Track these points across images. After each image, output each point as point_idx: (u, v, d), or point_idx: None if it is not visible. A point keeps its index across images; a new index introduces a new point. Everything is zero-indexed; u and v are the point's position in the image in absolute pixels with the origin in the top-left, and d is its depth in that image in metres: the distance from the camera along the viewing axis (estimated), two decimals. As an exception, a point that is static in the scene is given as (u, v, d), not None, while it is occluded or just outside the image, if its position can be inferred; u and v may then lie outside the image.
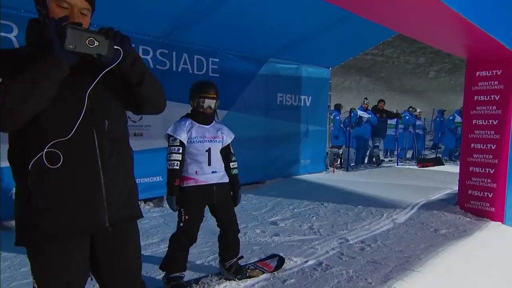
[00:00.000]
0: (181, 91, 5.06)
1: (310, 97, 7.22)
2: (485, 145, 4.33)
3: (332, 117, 8.48)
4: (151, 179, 4.81)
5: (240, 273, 2.66)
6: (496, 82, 4.20)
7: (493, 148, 4.28)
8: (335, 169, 7.92)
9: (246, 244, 3.43)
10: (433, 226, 4.11)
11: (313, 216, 4.44)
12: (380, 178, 7.32)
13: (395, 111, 10.44)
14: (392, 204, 5.04)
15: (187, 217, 2.44)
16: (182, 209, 2.45)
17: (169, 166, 2.39)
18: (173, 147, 2.40)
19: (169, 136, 2.44)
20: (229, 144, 2.68)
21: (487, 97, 4.28)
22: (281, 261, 2.92)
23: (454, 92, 17.02)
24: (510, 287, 2.84)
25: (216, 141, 2.54)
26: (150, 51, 4.73)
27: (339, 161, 8.39)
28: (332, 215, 4.55)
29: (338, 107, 9.91)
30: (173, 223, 4.22)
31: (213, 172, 2.50)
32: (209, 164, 2.49)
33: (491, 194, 4.36)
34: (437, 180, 7.07)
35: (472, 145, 4.44)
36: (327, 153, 7.91)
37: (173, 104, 4.90)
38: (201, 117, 2.51)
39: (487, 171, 4.36)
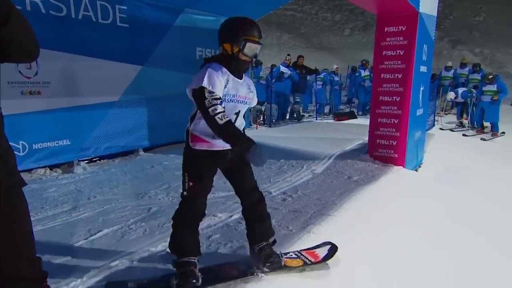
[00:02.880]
0: (83, 42, 4.58)
1: (230, 52, 7.07)
2: (391, 98, 4.76)
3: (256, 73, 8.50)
4: (56, 143, 4.36)
5: (270, 260, 2.11)
6: (401, 38, 4.56)
7: (397, 100, 4.73)
8: (258, 125, 8.09)
9: (170, 204, 3.38)
10: (347, 174, 4.50)
11: (236, 172, 4.52)
12: (301, 133, 7.71)
13: (313, 68, 10.86)
14: (311, 156, 5.36)
15: (191, 183, 1.97)
16: (186, 174, 1.99)
17: (221, 119, 1.78)
18: (215, 100, 1.80)
19: (203, 89, 1.81)
20: None
21: (393, 52, 4.64)
22: (333, 249, 2.33)
23: (366, 49, 18.23)
24: (409, 220, 3.30)
25: (246, 102, 2.03)
26: (40, -7, 4.07)
27: (261, 117, 8.57)
28: (256, 170, 4.58)
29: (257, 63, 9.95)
30: (86, 188, 4.00)
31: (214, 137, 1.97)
32: None
33: (395, 142, 4.88)
34: (351, 132, 7.68)
35: (381, 97, 4.85)
36: (250, 110, 7.99)
37: (74, 58, 4.41)
38: (238, 67, 1.94)
39: (392, 122, 4.84)
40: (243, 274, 2.13)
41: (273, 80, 8.63)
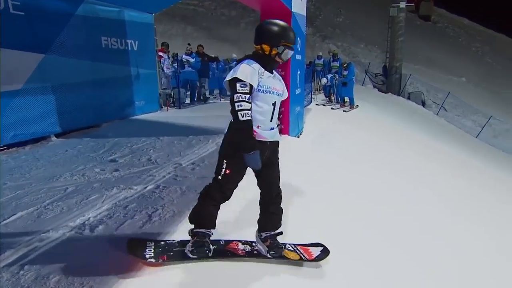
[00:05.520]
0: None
1: (136, 42, 6.55)
2: (275, 80, 5.05)
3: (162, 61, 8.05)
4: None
5: (274, 249, 2.04)
6: (280, 32, 4.81)
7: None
8: (168, 107, 7.78)
9: (86, 183, 3.11)
10: (245, 144, 4.71)
11: (150, 150, 4.35)
12: (207, 112, 7.67)
13: (213, 56, 10.73)
14: (216, 132, 5.40)
15: (228, 171, 1.85)
16: (224, 161, 1.87)
17: (242, 116, 1.70)
18: (244, 95, 1.71)
19: (237, 80, 1.72)
20: None
21: (275, 43, 4.88)
22: (325, 252, 2.19)
23: (258, 41, 18.56)
24: (295, 170, 3.65)
25: (280, 94, 1.93)
26: None
27: (171, 100, 8.25)
28: (168, 146, 4.56)
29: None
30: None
31: (271, 128, 1.90)
32: (271, 120, 1.89)
33: (281, 115, 5.23)
34: (248, 110, 7.92)
35: (267, 80, 5.10)
36: (159, 94, 7.61)
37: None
38: (270, 65, 1.86)
39: (277, 99, 5.16)
40: (248, 254, 2.07)
41: (179, 69, 8.31)
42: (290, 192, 3.15)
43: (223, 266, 1.97)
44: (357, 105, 9.91)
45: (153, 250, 1.96)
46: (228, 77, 1.78)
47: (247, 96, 1.72)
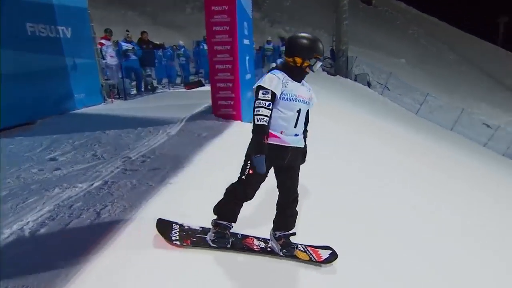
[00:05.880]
0: None
1: (69, 28, 6.00)
2: (224, 66, 5.02)
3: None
4: None
5: (287, 248, 2.17)
6: (225, 16, 4.77)
7: (229, 67, 5.03)
8: (113, 99, 7.34)
9: (22, 185, 2.86)
10: (197, 132, 4.64)
11: (95, 145, 4.09)
12: (156, 102, 7.40)
13: (159, 43, 10.27)
14: (166, 122, 5.24)
15: (251, 171, 1.95)
16: (249, 162, 1.97)
17: (257, 121, 1.85)
18: (264, 101, 1.86)
19: (261, 88, 1.89)
20: None
21: (221, 27, 4.83)
22: (333, 255, 2.27)
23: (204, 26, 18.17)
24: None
25: (307, 102, 2.04)
26: None
27: (116, 91, 7.78)
28: (114, 140, 4.33)
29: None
30: None
31: (295, 135, 2.02)
32: (295, 126, 2.00)
33: (232, 102, 5.25)
34: (199, 98, 7.77)
35: (217, 66, 5.05)
36: (102, 85, 7.13)
37: None
38: (298, 74, 2.00)
39: (228, 86, 5.16)
40: (262, 251, 2.20)
41: (121, 57, 7.82)
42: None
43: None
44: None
45: (178, 233, 2.13)
46: (254, 85, 1.97)
47: (267, 103, 1.88)
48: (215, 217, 2.11)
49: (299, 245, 2.30)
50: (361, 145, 6.22)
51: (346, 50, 16.35)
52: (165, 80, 10.32)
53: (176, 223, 2.23)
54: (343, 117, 8.47)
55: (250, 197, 2.06)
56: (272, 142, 1.95)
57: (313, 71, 2.01)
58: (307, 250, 2.30)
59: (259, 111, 1.86)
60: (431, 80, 20.51)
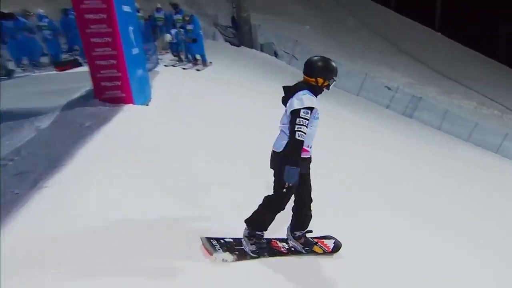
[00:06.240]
0: None
1: None
2: (102, 39, 4.61)
3: None
4: None
5: (308, 246, 2.74)
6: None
7: (109, 41, 4.64)
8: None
9: None
10: (79, 122, 4.26)
11: None
12: (15, 90, 6.44)
13: (6, 12, 8.76)
14: (33, 113, 4.64)
15: (290, 184, 2.33)
16: (284, 175, 2.32)
17: (299, 137, 2.29)
18: (305, 120, 2.31)
19: (309, 109, 2.33)
20: None
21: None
22: (337, 243, 2.88)
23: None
24: (146, 148, 3.59)
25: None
26: None
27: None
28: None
29: None
30: None
31: (311, 146, 2.51)
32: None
33: (119, 82, 4.91)
34: (77, 81, 7.03)
35: (92, 39, 4.60)
36: None
37: None
38: (319, 93, 2.51)
39: (110, 63, 4.77)
40: (288, 251, 2.71)
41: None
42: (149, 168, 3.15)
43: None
44: (211, 62, 10.24)
45: (221, 250, 2.43)
46: (296, 107, 2.33)
47: (307, 121, 2.31)
48: (248, 228, 2.53)
49: (313, 240, 2.85)
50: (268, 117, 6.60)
51: (248, 17, 16.74)
52: (25, 60, 8.98)
53: (213, 239, 2.51)
54: (256, 92, 8.79)
55: (283, 208, 2.51)
56: (305, 156, 2.44)
57: (328, 89, 2.53)
58: (317, 243, 2.85)
59: (300, 128, 2.29)
60: (336, 45, 22.65)
